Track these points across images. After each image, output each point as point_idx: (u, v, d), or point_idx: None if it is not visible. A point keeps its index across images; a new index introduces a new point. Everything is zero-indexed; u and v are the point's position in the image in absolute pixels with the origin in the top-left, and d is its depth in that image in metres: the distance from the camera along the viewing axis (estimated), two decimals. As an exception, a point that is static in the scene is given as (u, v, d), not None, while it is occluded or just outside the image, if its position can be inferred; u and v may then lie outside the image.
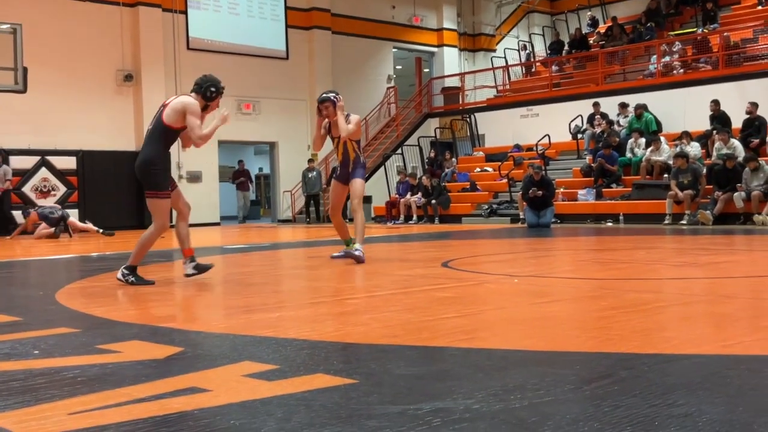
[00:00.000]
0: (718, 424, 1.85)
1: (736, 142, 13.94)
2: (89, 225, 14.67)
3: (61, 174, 17.97)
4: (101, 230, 14.21)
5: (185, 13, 20.24)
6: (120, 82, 18.94)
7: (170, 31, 19.89)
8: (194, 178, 20.42)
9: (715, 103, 15.29)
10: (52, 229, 13.82)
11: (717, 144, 14.09)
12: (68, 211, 15.36)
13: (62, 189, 17.92)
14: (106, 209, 18.17)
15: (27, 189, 17.40)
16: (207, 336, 3.40)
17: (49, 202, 16.30)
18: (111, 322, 3.80)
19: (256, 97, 21.42)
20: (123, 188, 18.75)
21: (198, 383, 2.41)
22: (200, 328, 3.57)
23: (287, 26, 22.21)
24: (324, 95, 7.34)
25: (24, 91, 14.78)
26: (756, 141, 14.18)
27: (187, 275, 5.73)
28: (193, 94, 5.63)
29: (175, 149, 21.59)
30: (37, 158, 17.60)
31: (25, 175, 17.42)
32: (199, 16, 20.55)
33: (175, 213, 6.00)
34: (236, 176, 22.42)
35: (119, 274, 5.59)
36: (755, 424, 1.84)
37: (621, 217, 14.18)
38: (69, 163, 18.07)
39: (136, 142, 19.14)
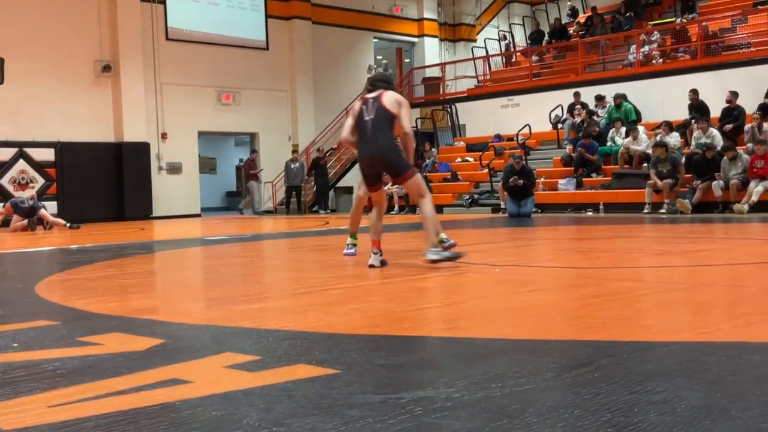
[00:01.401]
0: (696, 410, 1.87)
1: (714, 132, 14.04)
2: (59, 219, 14.54)
3: (39, 166, 17.81)
4: (68, 224, 14.08)
5: (164, 3, 20.08)
6: (98, 72, 18.77)
7: (149, 21, 19.73)
8: (174, 169, 20.30)
9: (694, 92, 15.38)
10: (26, 221, 13.70)
11: (696, 133, 14.19)
12: (45, 203, 15.23)
13: (41, 181, 17.77)
14: (85, 201, 18.04)
15: (5, 181, 17.24)
16: (188, 328, 3.39)
17: (27, 195, 16.16)
18: (91, 314, 3.77)
19: (237, 88, 21.31)
20: (102, 180, 18.61)
21: (179, 375, 2.40)
22: (181, 320, 3.56)
23: (267, 16, 22.10)
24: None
25: (1, 82, 14.65)
26: (730, 126, 14.30)
27: (371, 266, 5.53)
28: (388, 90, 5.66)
29: (154, 141, 21.36)
30: (14, 150, 17.44)
31: (2, 167, 17.26)
32: (178, 5, 20.38)
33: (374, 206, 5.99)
34: (250, 167, 21.42)
35: (432, 256, 5.35)
36: (733, 410, 1.87)
37: (601, 207, 14.26)
38: (47, 154, 17.91)
39: (115, 133, 19.00)
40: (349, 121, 5.67)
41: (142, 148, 19.24)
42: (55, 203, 17.34)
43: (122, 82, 18.97)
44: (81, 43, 18.52)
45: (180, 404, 2.07)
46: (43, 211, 14.20)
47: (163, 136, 20.00)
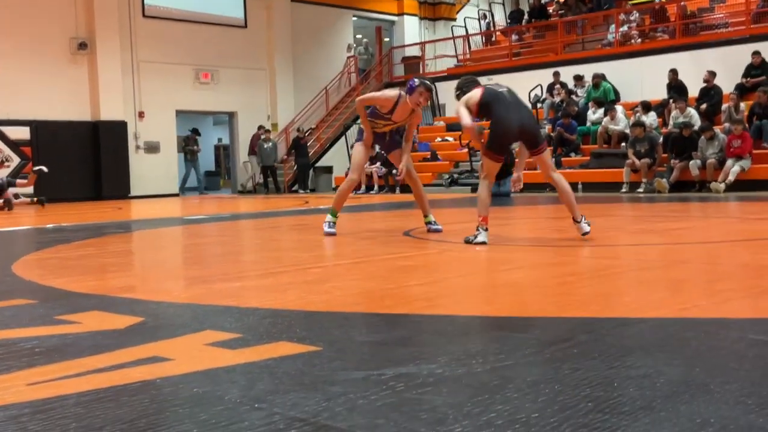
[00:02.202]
0: (675, 384, 1.89)
1: (692, 111, 14.13)
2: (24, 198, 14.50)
3: (14, 144, 17.61)
4: (34, 199, 14.02)
5: (140, -21, 19.82)
6: (74, 50, 18.52)
7: (125, -2, 19.48)
8: (152, 148, 20.14)
9: (673, 72, 15.45)
10: (1, 201, 13.57)
11: (674, 113, 14.28)
12: (19, 180, 15.09)
13: (16, 160, 17.57)
14: (62, 180, 17.85)
15: (-21, 160, 17.03)
16: (168, 306, 3.37)
17: (2, 174, 15.96)
18: (69, 293, 3.74)
19: (215, 67, 21.12)
20: (79, 159, 18.42)
21: (159, 352, 2.39)
22: (161, 299, 3.54)
23: (245, -6, 21.89)
24: (428, 83, 6.29)
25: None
26: (704, 105, 14.41)
27: (468, 242, 5.38)
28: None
29: (131, 119, 21.17)
30: (-11, 129, 17.23)
31: (-23, 146, 17.06)
32: (154, -18, 20.12)
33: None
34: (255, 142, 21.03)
35: (587, 227, 5.41)
36: (711, 384, 1.89)
37: (579, 186, 14.33)
38: (22, 133, 17.70)
39: (91, 112, 18.79)
40: (464, 110, 5.57)
41: (119, 127, 19.06)
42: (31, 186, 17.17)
43: (98, 60, 18.74)
44: (56, 21, 18.25)
45: (161, 381, 2.06)
46: (9, 189, 14.06)
47: (141, 114, 19.81)
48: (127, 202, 16.95)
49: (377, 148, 6.21)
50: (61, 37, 18.39)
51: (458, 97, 5.81)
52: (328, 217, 6.56)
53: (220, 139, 28.80)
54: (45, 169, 14.95)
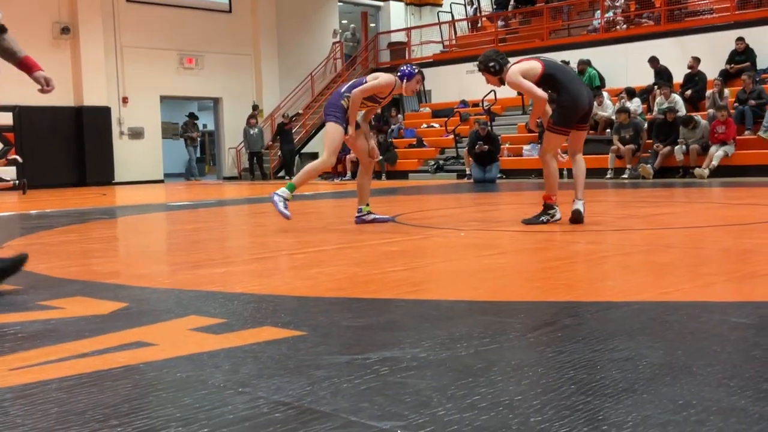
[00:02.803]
0: (657, 367, 1.90)
1: (677, 97, 14.19)
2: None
3: (-3, 130, 17.48)
4: (15, 181, 13.97)
5: (124, -37, 19.64)
6: (57, 35, 18.36)
7: (108, -18, 19.30)
8: (136, 134, 20.02)
9: (653, 60, 15.50)
10: None
11: (659, 99, 14.32)
12: (3, 168, 14.99)
13: (-1, 145, 17.44)
14: (46, 166, 17.73)
15: (-39, 145, 16.88)
16: (152, 291, 3.36)
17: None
18: (53, 279, 3.72)
19: (199, 52, 21.00)
20: (62, 144, 18.30)
21: (143, 337, 2.38)
22: (145, 284, 3.53)
23: (230, -22, 21.75)
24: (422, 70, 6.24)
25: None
26: (689, 91, 14.48)
27: (543, 222, 5.52)
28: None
29: (115, 105, 21.04)
30: (-29, 114, 17.06)
31: (-41, 131, 16.90)
32: (138, -34, 19.94)
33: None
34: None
35: (580, 206, 5.44)
36: (694, 366, 1.90)
37: (564, 172, 14.35)
38: (5, 119, 17.53)
39: (74, 97, 18.64)
40: (529, 82, 5.39)
41: (103, 113, 18.92)
42: (14, 168, 17.02)
43: (81, 45, 18.59)
44: (38, 5, 18.07)
45: (144, 366, 2.05)
46: None
47: (124, 100, 19.68)
48: (111, 189, 16.86)
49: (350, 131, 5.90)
50: (44, 21, 18.21)
51: (491, 70, 5.59)
52: (284, 192, 5.86)
53: (205, 125, 28.64)
54: (19, 159, 14.86)
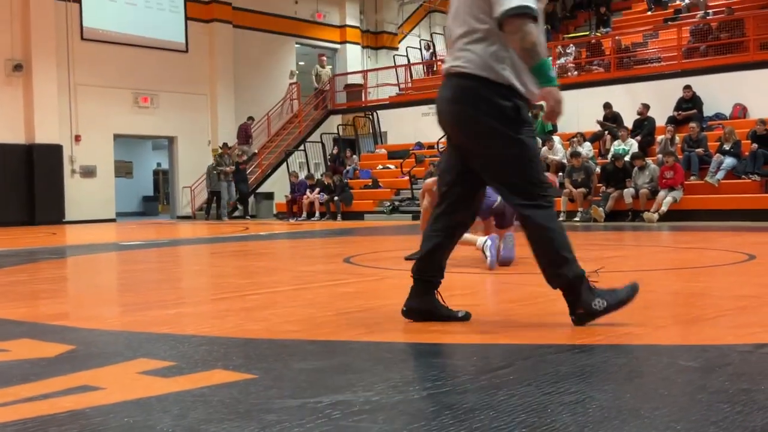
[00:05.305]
0: (607, 410, 1.92)
1: (632, 140, 14.60)
2: None
3: (-55, 167, 17.12)
4: None
5: (79, 1, 19.57)
6: (9, 72, 18.15)
7: (63, 20, 19.19)
8: (88, 173, 19.76)
9: (607, 106, 15.92)
10: None
11: (616, 141, 14.72)
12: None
13: (-53, 183, 17.07)
14: (-6, 204, 17.38)
15: None
16: (101, 333, 3.30)
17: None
18: (-3, 320, 3.63)
19: (154, 91, 20.91)
20: (11, 183, 17.97)
21: (90, 381, 2.33)
22: (93, 326, 3.46)
23: (187, 18, 21.79)
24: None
25: None
26: (639, 137, 14.89)
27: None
28: None
29: (67, 143, 20.77)
30: None
31: None
32: (94, 5, 19.90)
33: None
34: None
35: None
36: (642, 410, 1.93)
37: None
38: (-46, 155, 17.21)
39: (26, 134, 18.38)
40: None
41: (55, 151, 18.67)
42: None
43: (34, 82, 18.39)
44: (-10, 41, 17.87)
45: (90, 411, 2.01)
46: None
47: (77, 138, 19.46)
48: (62, 227, 16.56)
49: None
50: (-4, 57, 17.99)
51: None
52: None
53: (159, 164, 28.44)
54: None
